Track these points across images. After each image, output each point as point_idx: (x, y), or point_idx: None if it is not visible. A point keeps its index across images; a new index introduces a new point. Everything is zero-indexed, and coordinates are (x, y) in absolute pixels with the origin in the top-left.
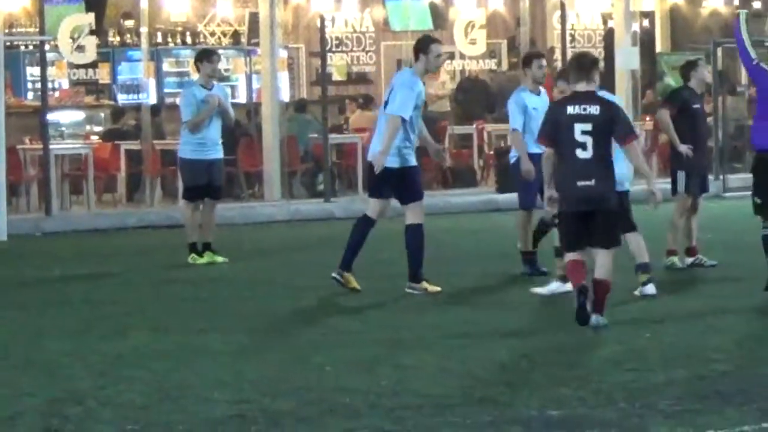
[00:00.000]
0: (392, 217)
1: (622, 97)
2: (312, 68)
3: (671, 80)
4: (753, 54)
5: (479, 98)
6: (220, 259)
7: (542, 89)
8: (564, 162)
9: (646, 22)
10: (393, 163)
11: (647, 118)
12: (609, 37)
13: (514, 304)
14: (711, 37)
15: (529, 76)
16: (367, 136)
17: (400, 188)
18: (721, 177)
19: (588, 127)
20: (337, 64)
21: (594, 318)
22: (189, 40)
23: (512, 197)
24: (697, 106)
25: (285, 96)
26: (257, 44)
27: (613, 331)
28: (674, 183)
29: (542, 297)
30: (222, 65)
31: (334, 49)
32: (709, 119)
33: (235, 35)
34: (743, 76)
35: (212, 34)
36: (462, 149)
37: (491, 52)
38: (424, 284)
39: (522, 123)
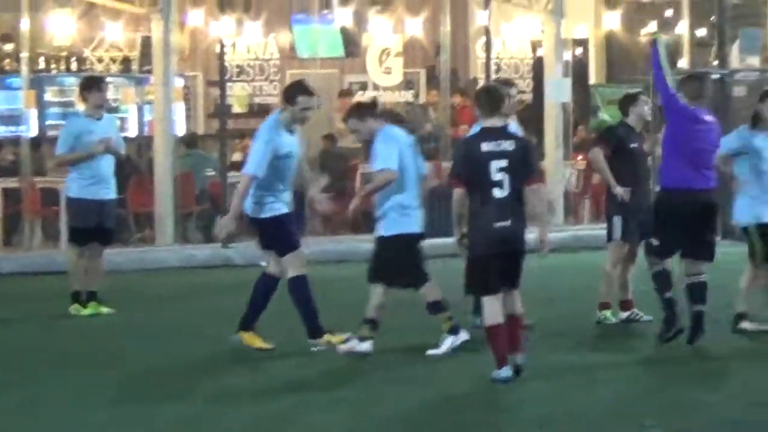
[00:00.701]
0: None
1: (551, 132)
2: (210, 99)
3: (606, 115)
4: (672, 84)
5: None
6: (105, 309)
7: (510, 122)
8: (480, 202)
9: (579, 51)
10: (259, 213)
11: (579, 157)
12: (538, 66)
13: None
14: (650, 68)
15: None
16: None
17: (273, 240)
18: None
19: (504, 163)
20: (237, 95)
21: (519, 358)
22: (74, 66)
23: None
24: (635, 144)
25: (180, 129)
26: (150, 71)
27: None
28: (610, 229)
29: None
30: (111, 94)
31: (234, 77)
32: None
33: (126, 61)
34: None
35: (100, 60)
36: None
37: (408, 83)
38: (327, 337)
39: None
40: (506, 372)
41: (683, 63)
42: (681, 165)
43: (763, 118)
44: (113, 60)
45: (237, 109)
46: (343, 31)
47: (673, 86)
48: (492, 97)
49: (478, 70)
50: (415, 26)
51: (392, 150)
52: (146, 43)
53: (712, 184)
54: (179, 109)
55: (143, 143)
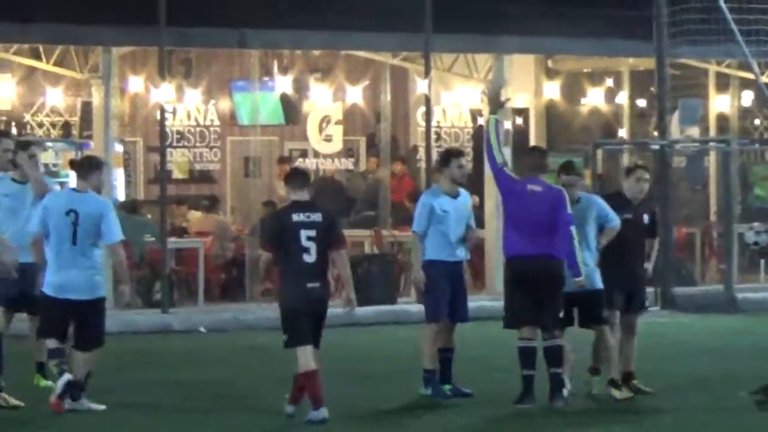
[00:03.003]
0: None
1: (492, 201)
2: (150, 165)
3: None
4: (499, 158)
5: (334, 201)
6: (43, 382)
7: (462, 191)
8: (290, 265)
9: (519, 120)
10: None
11: None
12: (478, 135)
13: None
14: (591, 138)
15: (447, 175)
16: (210, 241)
17: None
18: None
19: (312, 233)
20: (178, 161)
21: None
22: (14, 130)
23: (370, 310)
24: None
25: (120, 195)
26: (90, 137)
27: None
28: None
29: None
30: (51, 159)
31: (174, 143)
32: None
33: (66, 126)
34: None
35: (40, 125)
36: None
37: (348, 150)
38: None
39: (425, 226)
40: (323, 413)
41: (623, 133)
42: (514, 234)
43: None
44: (53, 125)
45: (177, 174)
46: (284, 99)
47: (501, 162)
48: (299, 176)
49: (419, 138)
50: (356, 94)
51: None
52: (87, 108)
53: (549, 251)
54: (119, 175)
55: None
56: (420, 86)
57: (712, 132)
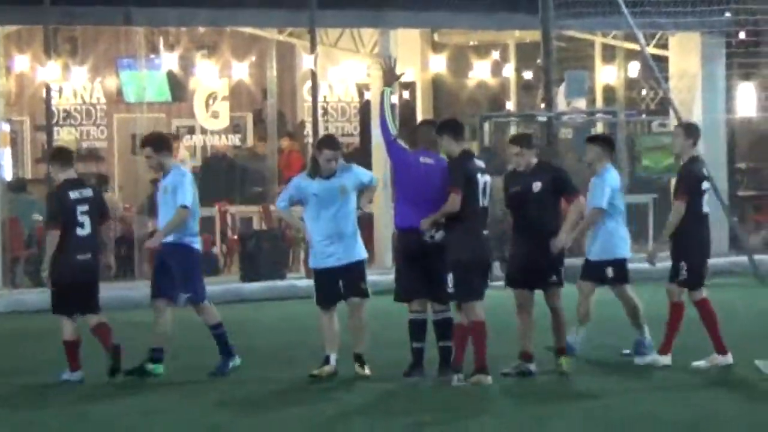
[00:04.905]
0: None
1: (379, 175)
2: (37, 143)
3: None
4: (393, 130)
5: (223, 177)
6: None
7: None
8: (67, 238)
9: (406, 94)
10: None
11: None
12: (365, 110)
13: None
14: (478, 110)
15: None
16: None
17: None
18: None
19: (86, 208)
20: (65, 139)
21: None
22: None
23: (258, 286)
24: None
25: (8, 174)
26: None
27: None
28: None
29: None
30: None
31: (61, 122)
32: None
33: None
34: None
35: None
36: (202, 233)
37: (235, 126)
38: None
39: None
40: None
41: (510, 105)
42: (405, 206)
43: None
44: None
45: None
46: (170, 76)
47: (394, 134)
48: (66, 154)
49: (306, 114)
50: (242, 70)
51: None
52: None
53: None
54: (6, 154)
55: None
56: (306, 62)
57: (599, 103)
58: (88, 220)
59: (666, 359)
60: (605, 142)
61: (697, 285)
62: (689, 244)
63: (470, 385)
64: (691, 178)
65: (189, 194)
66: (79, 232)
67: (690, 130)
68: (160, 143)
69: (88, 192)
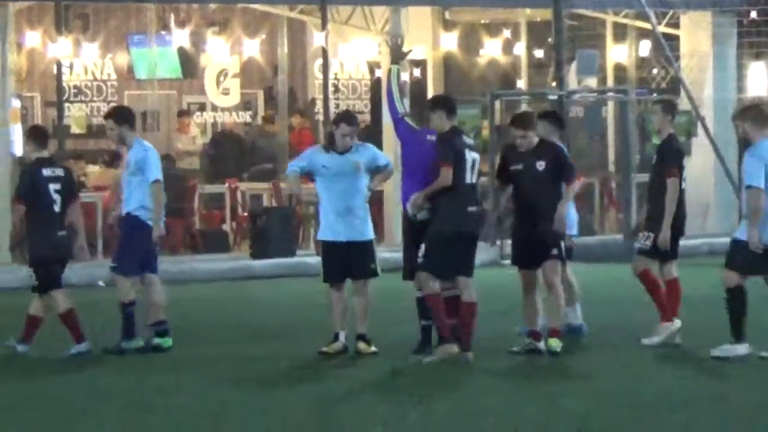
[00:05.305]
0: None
1: (390, 153)
2: (48, 120)
3: None
4: (401, 108)
5: (233, 154)
6: None
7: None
8: (38, 217)
9: (417, 72)
10: None
11: None
12: (376, 87)
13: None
14: (489, 89)
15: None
16: (108, 195)
17: None
18: (498, 243)
19: (58, 186)
20: (75, 116)
21: None
22: None
23: (268, 263)
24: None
25: (18, 150)
26: None
27: None
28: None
29: None
30: None
31: (72, 98)
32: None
33: None
34: None
35: None
36: (213, 210)
37: (246, 103)
38: None
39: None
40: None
41: (521, 84)
42: (411, 183)
43: None
44: None
45: (75, 129)
46: (181, 52)
47: (402, 112)
48: (41, 133)
49: (316, 91)
50: (253, 47)
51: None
52: None
53: None
54: (17, 131)
55: None
56: (317, 39)
57: (610, 82)
58: (60, 198)
59: (677, 323)
60: (556, 118)
61: (664, 259)
62: (662, 217)
63: (438, 359)
64: (677, 154)
65: (156, 169)
66: (56, 208)
67: (668, 107)
68: (123, 116)
69: (60, 171)
